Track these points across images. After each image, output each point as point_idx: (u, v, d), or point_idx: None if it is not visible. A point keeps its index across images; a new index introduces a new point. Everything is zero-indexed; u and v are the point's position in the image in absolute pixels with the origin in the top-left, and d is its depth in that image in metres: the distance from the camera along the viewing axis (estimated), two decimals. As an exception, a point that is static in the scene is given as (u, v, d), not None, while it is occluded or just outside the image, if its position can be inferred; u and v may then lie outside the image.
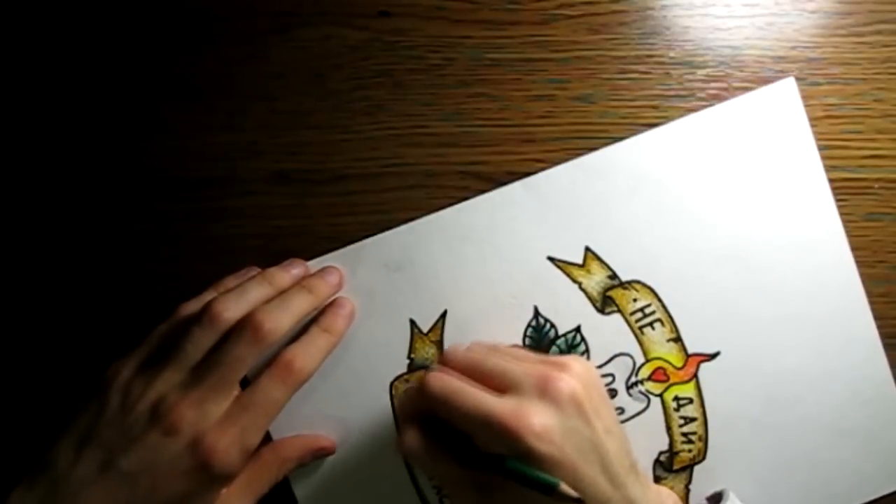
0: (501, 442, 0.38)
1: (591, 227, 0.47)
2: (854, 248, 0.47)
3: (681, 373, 0.47)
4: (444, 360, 0.43)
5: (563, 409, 0.39)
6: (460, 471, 0.40)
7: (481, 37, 0.47)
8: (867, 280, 0.47)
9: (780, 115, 0.47)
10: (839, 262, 0.47)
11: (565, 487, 0.37)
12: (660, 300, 0.47)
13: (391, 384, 0.46)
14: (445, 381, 0.40)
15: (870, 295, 0.47)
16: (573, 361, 0.41)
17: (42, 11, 0.47)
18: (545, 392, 0.39)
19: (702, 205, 0.47)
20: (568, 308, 0.47)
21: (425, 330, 0.47)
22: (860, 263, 0.47)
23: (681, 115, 0.47)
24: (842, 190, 0.47)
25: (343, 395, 0.46)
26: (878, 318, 0.47)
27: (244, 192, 0.47)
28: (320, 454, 0.46)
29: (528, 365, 0.41)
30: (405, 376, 0.46)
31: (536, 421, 0.38)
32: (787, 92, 0.46)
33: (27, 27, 0.47)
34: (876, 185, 0.47)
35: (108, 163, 0.47)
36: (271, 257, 0.46)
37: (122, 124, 0.47)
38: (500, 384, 0.40)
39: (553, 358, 0.42)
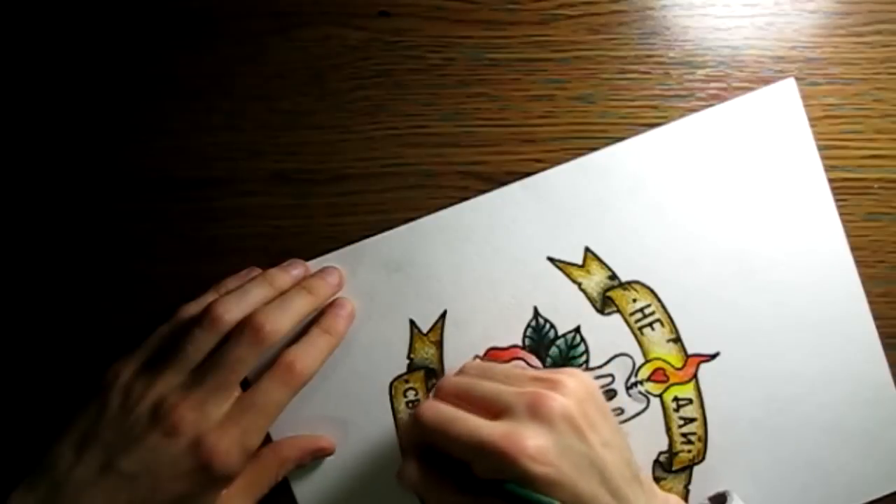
0: (498, 467, 0.38)
1: (590, 228, 0.47)
2: (854, 248, 0.47)
3: (680, 373, 0.47)
4: (436, 390, 0.43)
5: (557, 428, 0.38)
6: (462, 498, 0.40)
7: (481, 37, 0.47)
8: (867, 280, 0.47)
9: (780, 116, 0.46)
10: (839, 263, 0.47)
11: None
12: (659, 301, 0.47)
13: (391, 384, 0.46)
14: (438, 411, 0.40)
15: (870, 295, 0.47)
16: (566, 377, 0.41)
17: (42, 11, 0.47)
18: (537, 413, 0.38)
19: (702, 205, 0.47)
20: (568, 308, 0.47)
21: (425, 330, 0.47)
22: (860, 263, 0.47)
23: (680, 115, 0.47)
24: (842, 190, 0.47)
25: (343, 395, 0.46)
26: (878, 318, 0.47)
27: (244, 192, 0.47)
28: (320, 454, 0.46)
29: (519, 387, 0.41)
30: (405, 376, 0.46)
31: (530, 443, 0.37)
32: (787, 92, 0.46)
33: (27, 27, 0.47)
34: (876, 185, 0.47)
35: (108, 163, 0.47)
36: (271, 257, 0.46)
37: (123, 124, 0.47)
38: (492, 409, 0.40)
39: (546, 374, 0.42)
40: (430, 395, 0.43)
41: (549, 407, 0.39)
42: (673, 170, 0.47)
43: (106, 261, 0.47)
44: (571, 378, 0.41)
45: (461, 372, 0.45)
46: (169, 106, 0.47)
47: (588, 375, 0.43)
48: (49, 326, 0.47)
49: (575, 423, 0.39)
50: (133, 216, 0.47)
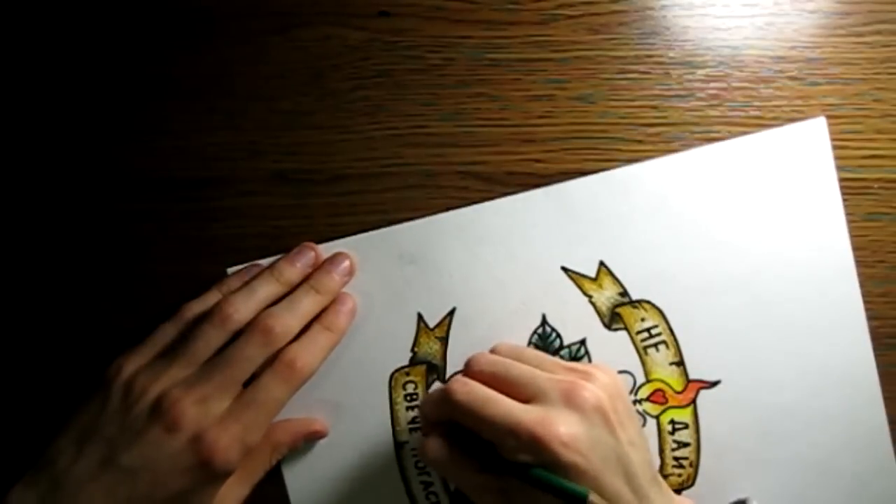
0: (528, 450, 0.38)
1: (607, 242, 0.46)
2: (854, 248, 0.46)
3: (679, 397, 0.46)
4: (468, 367, 0.42)
5: (589, 419, 0.38)
6: (482, 477, 0.40)
7: (481, 37, 0.47)
8: (867, 280, 0.46)
9: (808, 153, 0.46)
10: (850, 311, 0.46)
11: (595, 498, 0.36)
12: (667, 323, 0.46)
13: (391, 375, 0.46)
14: (471, 390, 0.40)
15: (869, 295, 0.46)
16: (599, 371, 0.41)
17: (42, 11, 0.47)
18: (571, 401, 0.39)
19: (720, 233, 0.46)
20: (576, 320, 0.46)
21: (432, 325, 0.46)
22: (860, 263, 0.46)
23: (680, 116, 0.47)
24: (842, 190, 0.47)
25: (342, 380, 0.46)
26: (878, 318, 0.46)
27: (244, 192, 0.47)
28: (313, 437, 0.46)
29: (554, 373, 0.41)
30: (406, 369, 0.46)
31: (563, 430, 0.37)
32: (816, 131, 0.46)
33: (27, 27, 0.47)
34: (876, 185, 0.47)
35: (108, 163, 0.47)
36: (271, 257, 0.46)
37: (123, 124, 0.47)
38: (525, 392, 0.40)
39: (579, 366, 0.42)
40: (464, 370, 0.43)
41: (584, 397, 0.39)
42: (695, 195, 0.46)
43: (106, 261, 0.47)
44: (604, 373, 0.41)
45: (493, 351, 0.44)
46: (169, 106, 0.47)
47: (616, 373, 0.43)
48: (50, 326, 0.47)
49: (606, 417, 0.39)
50: (133, 216, 0.47)
